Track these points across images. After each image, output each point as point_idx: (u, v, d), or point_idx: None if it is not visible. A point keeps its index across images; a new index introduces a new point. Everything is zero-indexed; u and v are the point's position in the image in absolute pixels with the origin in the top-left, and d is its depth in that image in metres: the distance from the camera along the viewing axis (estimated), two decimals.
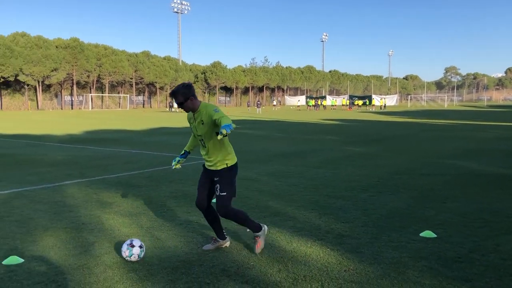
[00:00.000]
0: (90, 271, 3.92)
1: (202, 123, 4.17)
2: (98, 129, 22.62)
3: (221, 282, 3.69)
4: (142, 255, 4.15)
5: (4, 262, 4.10)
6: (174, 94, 4.16)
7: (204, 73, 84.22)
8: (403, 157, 11.69)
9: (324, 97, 79.42)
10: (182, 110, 4.25)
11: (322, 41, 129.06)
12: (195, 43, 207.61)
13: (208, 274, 3.85)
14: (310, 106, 64.08)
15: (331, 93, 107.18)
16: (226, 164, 4.27)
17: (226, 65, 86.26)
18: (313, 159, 11.22)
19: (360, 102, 69.27)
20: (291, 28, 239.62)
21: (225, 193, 4.21)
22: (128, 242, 4.15)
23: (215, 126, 4.11)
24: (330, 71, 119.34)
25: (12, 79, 55.24)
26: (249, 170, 9.41)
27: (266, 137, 18.23)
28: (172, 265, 4.05)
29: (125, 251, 4.10)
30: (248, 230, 4.67)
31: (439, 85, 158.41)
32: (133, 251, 4.09)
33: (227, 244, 4.58)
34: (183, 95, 4.13)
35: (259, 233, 4.41)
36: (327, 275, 3.83)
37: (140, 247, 4.14)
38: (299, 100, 78.23)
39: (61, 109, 62.31)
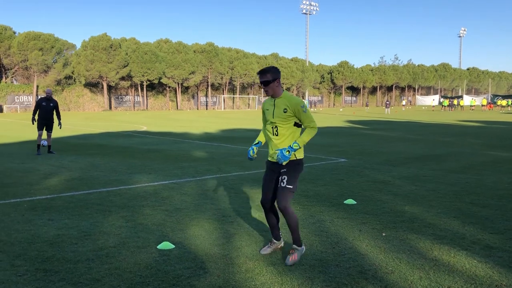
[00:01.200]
0: (232, 261, 4.17)
1: (285, 111, 4.07)
2: (230, 128, 23.89)
3: (359, 284, 3.65)
4: None
5: (159, 246, 4.56)
6: (264, 72, 4.10)
7: (331, 73, 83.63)
8: None
9: (460, 97, 73.38)
10: (267, 91, 4.14)
11: (460, 36, 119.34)
12: (323, 43, 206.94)
13: (345, 275, 3.83)
14: (444, 106, 59.73)
15: (469, 92, 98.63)
16: (295, 156, 4.14)
17: (354, 65, 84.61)
18: (452, 163, 10.46)
19: (504, 102, 62.48)
20: (424, 24, 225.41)
21: (291, 186, 4.09)
22: None
23: (296, 119, 4.11)
24: (468, 69, 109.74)
25: (156, 81, 61.07)
26: (382, 173, 9.13)
27: (398, 138, 17.47)
28: (309, 263, 4.12)
29: None
30: (278, 243, 4.49)
31: None
32: None
33: (282, 245, 4.50)
34: (273, 75, 4.09)
35: (299, 248, 4.21)
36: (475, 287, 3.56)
37: None
38: (433, 100, 73.35)
39: (197, 109, 67.09)
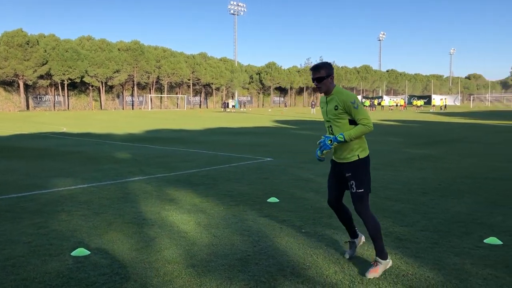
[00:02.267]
0: (151, 265, 4.07)
1: (336, 108, 3.86)
2: (157, 128, 23.39)
3: (277, 281, 3.71)
4: None
5: (73, 253, 4.34)
6: (317, 68, 3.88)
7: (259, 73, 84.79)
8: (467, 160, 11.19)
9: (381, 97, 77.48)
10: (320, 88, 3.92)
11: (379, 40, 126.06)
12: (251, 44, 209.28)
13: (264, 273, 3.88)
14: (366, 106, 62.79)
15: (388, 93, 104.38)
16: (358, 156, 3.89)
17: (281, 66, 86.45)
18: (372, 161, 10.90)
19: (419, 102, 66.90)
20: (347, 28, 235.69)
21: (362, 190, 3.89)
22: None
23: (349, 116, 3.85)
24: (387, 71, 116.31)
25: (78, 80, 58.36)
26: (305, 171, 9.37)
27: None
28: (229, 263, 4.12)
29: None
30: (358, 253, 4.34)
31: (505, 85, 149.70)
32: None
33: (363, 239, 4.34)
34: (327, 71, 3.87)
35: (383, 261, 3.86)
36: (384, 278, 3.75)
37: None
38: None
39: (123, 109, 64.97)
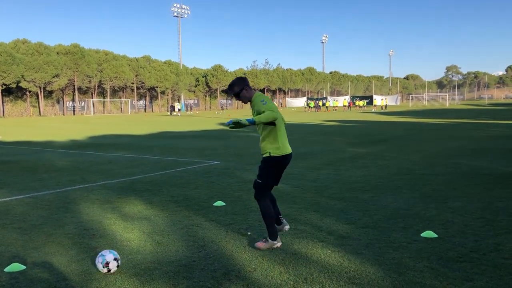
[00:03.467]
0: (92, 276, 3.93)
1: (255, 113, 4.45)
2: (100, 134, 22.67)
3: (222, 286, 3.70)
4: (118, 264, 4.02)
5: (6, 269, 4.11)
6: (230, 86, 4.56)
7: (205, 76, 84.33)
8: (405, 157, 11.69)
9: (325, 98, 79.42)
10: (242, 100, 4.57)
11: (322, 42, 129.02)
12: (196, 47, 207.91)
13: (209, 278, 3.86)
14: (310, 107, 64.14)
15: (332, 94, 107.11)
16: (269, 153, 4.49)
17: (227, 68, 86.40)
18: (315, 161, 11.23)
19: (362, 103, 69.22)
20: (291, 31, 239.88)
21: (260, 181, 4.57)
22: (100, 260, 3.96)
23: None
24: (330, 72, 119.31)
25: (14, 86, 55.41)
26: (251, 173, 9.42)
27: None
28: (173, 270, 4.06)
29: (103, 269, 3.95)
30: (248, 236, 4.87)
31: (440, 84, 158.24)
32: (110, 266, 3.95)
33: (286, 228, 4.82)
34: (238, 86, 4.51)
35: (271, 241, 4.58)
36: (328, 277, 3.84)
37: (115, 259, 3.99)
38: (305, 101, 78.30)
39: (63, 115, 62.44)
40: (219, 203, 6.65)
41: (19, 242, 4.96)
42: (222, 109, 68.65)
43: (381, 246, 4.61)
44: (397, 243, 4.68)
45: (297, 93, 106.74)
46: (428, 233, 4.93)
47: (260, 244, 4.59)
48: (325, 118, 38.88)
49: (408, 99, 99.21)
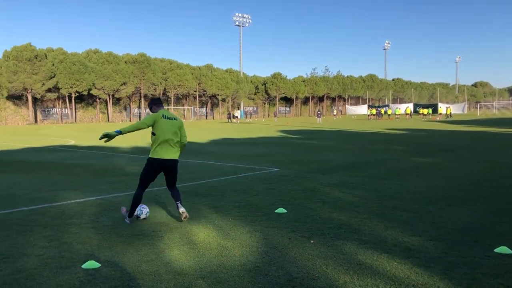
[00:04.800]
0: (161, 277, 4.10)
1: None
2: None
3: None
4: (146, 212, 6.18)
5: (84, 266, 4.38)
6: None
7: (265, 84, 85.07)
8: (475, 168, 11.15)
9: (387, 106, 77.41)
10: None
11: (385, 49, 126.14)
12: (256, 55, 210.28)
13: (273, 284, 3.89)
14: (371, 115, 62.74)
15: (394, 101, 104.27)
16: (149, 155, 6.06)
17: (286, 76, 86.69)
18: (378, 170, 10.99)
19: (426, 111, 66.75)
20: (352, 37, 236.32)
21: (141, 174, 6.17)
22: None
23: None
24: (393, 79, 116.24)
25: (85, 93, 58.86)
26: (311, 181, 9.38)
27: (328, 147, 18.07)
28: (238, 274, 4.14)
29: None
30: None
31: None
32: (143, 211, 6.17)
33: (181, 210, 5.92)
34: (149, 104, 6.46)
35: (127, 217, 6.09)
36: None
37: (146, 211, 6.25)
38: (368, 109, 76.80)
39: (130, 121, 65.34)
40: (281, 210, 6.68)
41: (94, 241, 5.27)
42: (275, 116, 68.81)
43: (450, 260, 4.43)
44: (468, 258, 4.48)
45: (357, 100, 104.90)
46: (503, 249, 4.67)
47: (122, 209, 6.30)
48: (387, 126, 37.89)
49: (476, 107, 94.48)
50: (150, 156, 5.99)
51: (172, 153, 6.03)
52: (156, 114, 5.97)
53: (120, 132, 5.77)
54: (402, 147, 17.48)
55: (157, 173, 6.09)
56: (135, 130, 5.91)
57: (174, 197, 6.08)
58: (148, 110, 6.18)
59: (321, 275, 4.09)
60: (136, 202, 5.97)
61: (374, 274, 4.10)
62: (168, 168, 6.06)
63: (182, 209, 5.91)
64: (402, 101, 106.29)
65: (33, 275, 4.16)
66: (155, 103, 6.26)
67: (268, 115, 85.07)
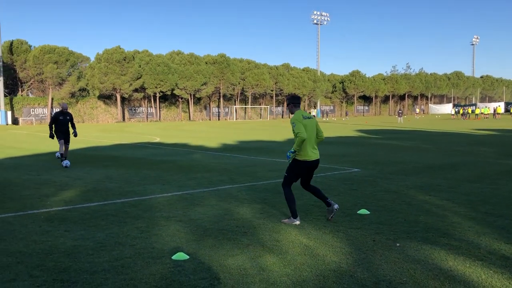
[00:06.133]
0: (246, 272, 4.20)
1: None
2: (243, 139, 23.97)
3: None
4: None
5: (173, 257, 4.61)
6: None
7: (342, 82, 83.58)
8: None
9: (474, 105, 72.71)
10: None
11: (473, 44, 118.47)
12: (334, 53, 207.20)
13: (360, 286, 3.83)
14: (454, 114, 59.24)
15: (483, 100, 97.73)
16: (296, 157, 5.86)
17: (365, 74, 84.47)
18: (466, 173, 10.37)
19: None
20: (436, 32, 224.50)
21: (286, 174, 6.03)
22: None
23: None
24: (481, 77, 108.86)
25: (169, 93, 61.63)
26: (395, 182, 9.09)
27: (411, 148, 17.37)
28: (322, 273, 4.12)
29: None
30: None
31: None
32: None
33: (335, 207, 5.97)
34: (287, 100, 6.19)
35: (292, 218, 5.91)
36: None
37: None
38: (452, 108, 72.95)
39: (209, 119, 67.42)
40: (363, 211, 6.55)
41: (182, 234, 5.52)
42: (347, 115, 67.24)
43: None
44: None
45: (441, 99, 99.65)
46: None
47: (285, 220, 6.00)
48: (475, 126, 35.59)
49: None
50: (298, 158, 5.83)
51: (317, 153, 6.00)
52: (300, 118, 5.80)
53: (294, 152, 5.78)
54: (492, 149, 16.34)
55: (304, 175, 6.05)
56: (301, 145, 5.76)
57: (320, 195, 6.12)
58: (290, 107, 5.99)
59: (408, 280, 3.95)
60: (292, 199, 5.93)
61: (467, 281, 3.89)
62: (314, 168, 6.02)
63: (336, 206, 6.01)
64: (491, 99, 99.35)
65: (128, 263, 4.45)
66: (295, 102, 6.02)
67: (346, 114, 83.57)
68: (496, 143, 18.99)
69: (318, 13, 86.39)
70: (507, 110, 66.03)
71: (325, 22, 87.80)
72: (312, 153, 5.85)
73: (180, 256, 4.61)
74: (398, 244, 4.99)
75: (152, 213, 6.60)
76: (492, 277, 3.99)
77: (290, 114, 6.07)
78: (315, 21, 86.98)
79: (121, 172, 11.06)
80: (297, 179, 6.00)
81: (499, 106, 65.51)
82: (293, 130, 5.72)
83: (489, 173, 10.23)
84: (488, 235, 5.27)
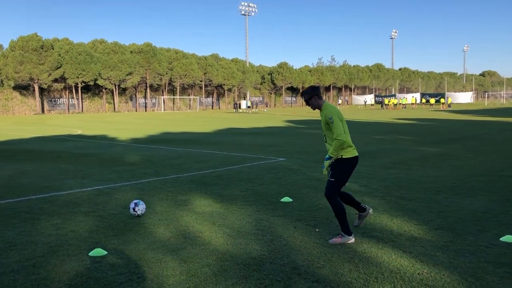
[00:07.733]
0: (166, 264, 4.13)
1: (325, 122, 4.76)
2: (170, 130, 23.55)
3: (292, 280, 3.74)
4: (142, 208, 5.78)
5: (90, 253, 4.42)
6: (302, 94, 4.95)
7: (271, 74, 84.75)
8: (481, 157, 11.08)
9: (393, 96, 76.94)
10: (310, 106, 4.94)
11: (392, 38, 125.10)
12: (262, 44, 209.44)
13: (279, 272, 3.91)
14: (373, 105, 62.52)
15: (401, 91, 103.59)
16: (341, 155, 4.73)
17: (293, 66, 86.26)
18: (384, 160, 10.95)
19: (432, 100, 66.32)
20: (358, 26, 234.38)
21: (333, 179, 4.75)
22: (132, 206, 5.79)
23: (330, 130, 4.76)
24: (400, 69, 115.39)
25: (91, 83, 58.95)
26: (318, 170, 9.38)
27: None
28: (244, 262, 4.16)
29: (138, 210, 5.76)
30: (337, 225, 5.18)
31: None
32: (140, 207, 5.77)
33: (371, 211, 5.03)
34: (308, 94, 4.87)
35: (346, 236, 4.72)
36: (400, 277, 3.76)
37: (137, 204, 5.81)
38: (371, 99, 76.56)
39: (136, 111, 65.48)
40: (286, 199, 6.69)
41: (101, 229, 5.31)
42: (267, 106, 68.69)
43: (456, 249, 4.43)
44: (474, 247, 4.47)
45: (364, 90, 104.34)
46: (509, 238, 4.66)
47: (336, 240, 4.72)
48: (394, 116, 37.69)
49: (484, 97, 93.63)
50: (348, 156, 4.72)
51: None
52: (337, 111, 4.78)
53: (330, 158, 4.70)
54: (408, 137, 17.40)
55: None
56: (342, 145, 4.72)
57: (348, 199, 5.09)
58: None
59: (326, 264, 4.10)
60: (343, 212, 4.72)
61: (379, 262, 4.11)
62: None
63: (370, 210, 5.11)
64: (409, 90, 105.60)
65: (41, 262, 4.21)
66: (317, 93, 4.87)
67: (275, 105, 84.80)
68: (412, 131, 20.24)
69: (246, 4, 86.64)
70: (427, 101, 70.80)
71: (252, 13, 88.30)
72: (355, 149, 4.84)
73: (98, 252, 4.43)
74: (317, 230, 5.16)
75: (69, 209, 6.29)
76: (401, 256, 4.24)
77: (313, 109, 4.95)
78: (243, 12, 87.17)
79: (36, 166, 10.43)
80: (346, 182, 4.89)
81: (413, 96, 69.81)
82: (326, 126, 4.75)
83: (404, 160, 10.87)
84: (400, 218, 5.60)
